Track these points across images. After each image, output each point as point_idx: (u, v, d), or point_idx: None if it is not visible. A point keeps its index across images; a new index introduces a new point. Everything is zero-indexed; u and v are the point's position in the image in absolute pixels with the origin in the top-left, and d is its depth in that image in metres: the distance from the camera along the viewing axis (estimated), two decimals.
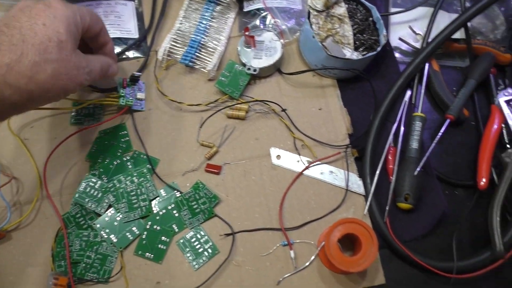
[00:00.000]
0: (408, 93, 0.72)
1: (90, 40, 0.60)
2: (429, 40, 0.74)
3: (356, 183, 0.67)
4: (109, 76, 0.62)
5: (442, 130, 0.68)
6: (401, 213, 0.65)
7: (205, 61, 0.73)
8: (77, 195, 0.63)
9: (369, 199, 0.65)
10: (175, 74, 0.74)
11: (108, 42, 0.63)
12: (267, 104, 0.71)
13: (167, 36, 0.75)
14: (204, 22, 0.76)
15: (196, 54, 0.73)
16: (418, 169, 0.64)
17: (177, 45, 0.75)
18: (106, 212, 0.64)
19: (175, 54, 0.74)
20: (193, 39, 0.74)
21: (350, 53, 0.70)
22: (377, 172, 0.66)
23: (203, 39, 0.75)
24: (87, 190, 0.64)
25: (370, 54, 0.68)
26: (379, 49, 0.69)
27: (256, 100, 0.71)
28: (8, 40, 0.46)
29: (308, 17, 0.70)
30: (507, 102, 0.71)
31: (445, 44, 0.75)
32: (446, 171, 0.69)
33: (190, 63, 0.73)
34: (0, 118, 0.51)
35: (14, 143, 0.68)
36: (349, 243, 0.62)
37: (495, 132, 0.69)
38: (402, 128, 0.69)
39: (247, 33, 0.71)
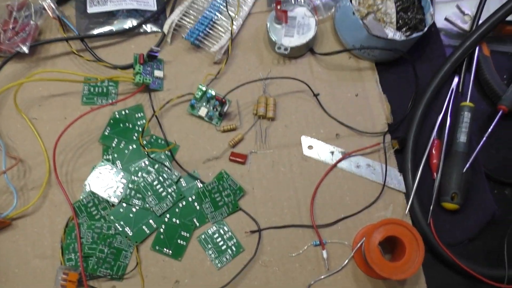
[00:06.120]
0: (456, 80, 0.65)
1: None
2: (480, 21, 0.67)
3: (396, 179, 0.60)
4: None
5: (494, 123, 0.61)
6: (445, 213, 0.60)
7: (214, 42, 0.67)
8: (89, 183, 0.58)
9: (411, 197, 0.59)
10: (180, 51, 0.68)
11: None
12: (299, 81, 0.64)
13: (178, 8, 0.69)
14: None
15: (206, 31, 0.67)
16: (467, 165, 0.58)
17: (188, 20, 0.68)
18: (121, 202, 0.58)
19: (184, 29, 0.68)
20: (205, 15, 0.68)
21: (392, 33, 0.64)
22: (420, 167, 0.60)
23: (215, 17, 0.68)
24: (100, 177, 0.58)
25: (416, 34, 0.61)
26: (425, 29, 0.62)
27: (287, 78, 0.64)
28: None
29: None
30: None
31: (497, 27, 0.67)
32: (495, 169, 0.63)
33: (196, 41, 0.66)
34: None
35: (21, 122, 0.62)
36: (388, 245, 0.56)
37: None
38: (448, 119, 0.62)
39: (278, 7, 0.63)
